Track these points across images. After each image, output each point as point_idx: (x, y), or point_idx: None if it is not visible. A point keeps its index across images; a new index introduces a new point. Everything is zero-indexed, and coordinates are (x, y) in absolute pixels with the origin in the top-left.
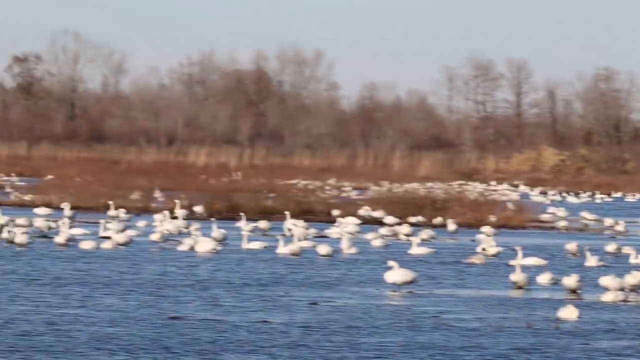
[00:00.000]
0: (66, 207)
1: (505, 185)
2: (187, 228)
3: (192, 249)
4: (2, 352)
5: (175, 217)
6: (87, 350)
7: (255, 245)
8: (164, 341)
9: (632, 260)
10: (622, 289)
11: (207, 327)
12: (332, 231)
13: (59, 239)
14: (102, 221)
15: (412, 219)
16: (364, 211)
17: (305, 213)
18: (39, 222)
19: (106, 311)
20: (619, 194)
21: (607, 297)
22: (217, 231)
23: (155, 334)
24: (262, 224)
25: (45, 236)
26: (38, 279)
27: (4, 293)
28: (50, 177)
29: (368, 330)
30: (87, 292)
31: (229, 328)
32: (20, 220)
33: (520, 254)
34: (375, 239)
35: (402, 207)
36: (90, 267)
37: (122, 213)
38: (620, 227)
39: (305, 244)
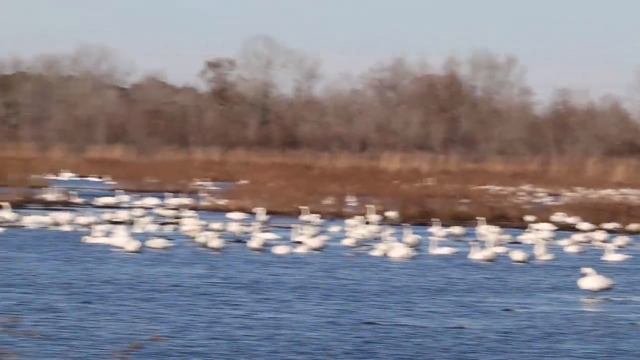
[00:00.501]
0: (260, 212)
1: None
2: (380, 233)
3: (385, 254)
4: (204, 355)
5: (368, 223)
6: (287, 354)
7: (445, 250)
8: (362, 346)
9: None
10: None
11: (404, 333)
12: (526, 237)
13: (253, 243)
14: (295, 226)
15: (607, 226)
16: (558, 217)
17: (499, 219)
18: (233, 227)
19: (304, 315)
20: None
21: None
22: (410, 236)
23: (353, 339)
24: (456, 229)
25: (239, 241)
26: (235, 283)
27: (203, 297)
28: (243, 182)
29: (569, 337)
30: (284, 297)
31: (425, 334)
32: (215, 225)
33: None
34: (569, 245)
35: (597, 214)
36: (285, 272)
37: (315, 218)
38: None
39: (499, 249)
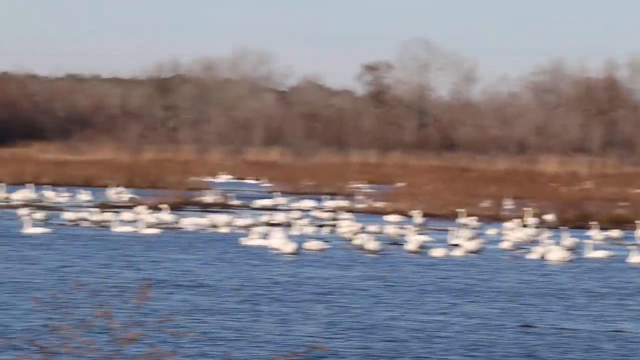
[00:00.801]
0: (416, 214)
1: None
2: (537, 236)
3: (543, 257)
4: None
5: (525, 226)
6: (451, 355)
7: (602, 254)
8: (524, 349)
9: None
10: None
11: (564, 337)
12: None
13: (410, 246)
14: (452, 229)
15: None
16: None
17: None
18: (390, 229)
19: (466, 318)
20: None
21: None
22: (567, 240)
23: (515, 342)
24: (614, 232)
25: (395, 243)
26: (395, 285)
27: (366, 299)
28: (400, 184)
29: None
30: (445, 299)
31: (586, 337)
32: (371, 227)
33: None
34: None
35: None
36: (444, 274)
37: (472, 221)
38: None
39: None
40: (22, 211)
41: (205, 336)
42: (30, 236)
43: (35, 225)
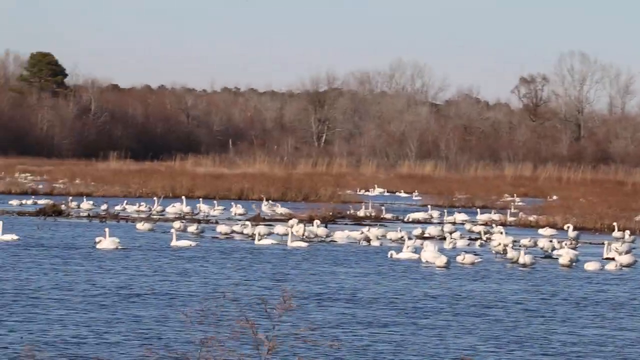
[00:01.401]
0: (569, 228)
1: None
2: None
3: None
4: None
5: None
6: None
7: None
8: None
9: None
10: None
11: None
12: None
13: (563, 259)
14: (606, 242)
15: None
16: None
17: None
18: (543, 243)
19: (624, 332)
20: None
21: None
22: None
23: None
24: None
25: (548, 257)
26: (549, 299)
27: (521, 312)
28: (554, 198)
29: None
30: (601, 313)
31: None
32: (524, 241)
33: None
34: None
35: None
36: (598, 288)
37: (626, 234)
38: None
39: None
40: (176, 224)
41: (363, 349)
42: (179, 249)
43: (183, 239)
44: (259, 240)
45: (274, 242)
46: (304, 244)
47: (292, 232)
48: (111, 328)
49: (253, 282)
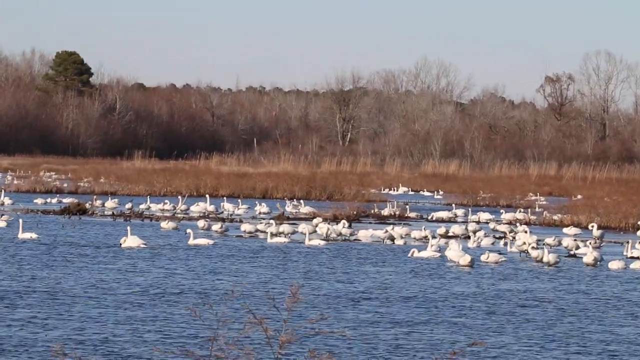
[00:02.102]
0: (594, 227)
1: None
2: None
3: None
4: None
5: None
6: None
7: None
8: None
9: None
10: None
11: None
12: None
13: (588, 258)
14: (629, 241)
15: None
16: None
17: None
18: (567, 242)
19: None
20: None
21: None
22: None
23: None
24: None
25: (573, 255)
26: (578, 298)
27: (552, 311)
28: (579, 197)
29: None
30: (632, 311)
31: None
32: (549, 240)
33: None
34: None
35: None
36: (624, 287)
37: None
38: None
39: None
40: (200, 223)
41: (396, 347)
42: (197, 247)
43: (201, 237)
44: (271, 238)
45: (304, 240)
46: (322, 242)
47: (309, 231)
48: (142, 326)
49: (276, 281)
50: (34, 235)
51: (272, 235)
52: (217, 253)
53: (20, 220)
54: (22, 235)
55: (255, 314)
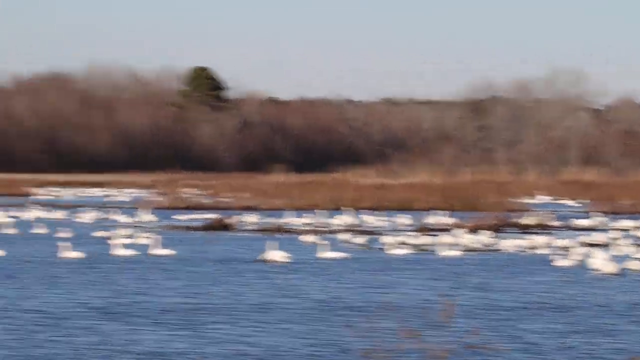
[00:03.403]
0: None
1: None
2: None
3: None
4: None
5: None
6: None
7: None
8: None
9: None
10: None
11: None
12: None
13: None
14: None
15: None
16: None
17: None
18: None
19: None
20: None
21: None
22: None
23: None
24: None
25: None
26: None
27: None
28: None
29: None
30: None
31: None
32: None
33: None
34: None
35: None
36: None
37: None
38: None
39: None
40: (342, 236)
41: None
42: (326, 260)
43: (327, 250)
44: (438, 251)
45: (446, 252)
46: (475, 254)
47: (450, 242)
48: (305, 339)
49: (424, 293)
50: (171, 252)
51: (413, 246)
52: (359, 266)
53: (158, 237)
54: (159, 252)
55: (410, 327)
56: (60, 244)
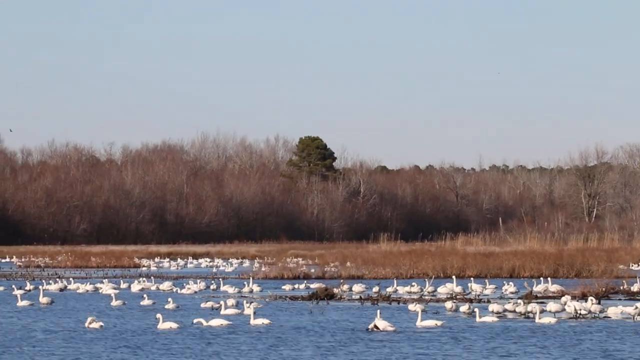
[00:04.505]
0: None
1: None
2: None
3: None
4: None
5: None
6: None
7: None
8: None
9: None
10: None
11: None
12: None
13: None
14: None
15: None
16: None
17: None
18: None
19: None
20: None
21: None
22: None
23: None
24: None
25: None
26: None
27: None
28: None
29: None
30: None
31: None
32: None
33: None
34: None
35: None
36: None
37: None
38: None
39: None
40: (447, 304)
41: None
42: (425, 329)
43: (431, 318)
44: (540, 319)
45: (552, 320)
46: (581, 321)
47: (556, 309)
48: None
49: None
50: (265, 321)
51: (520, 314)
52: (466, 335)
53: (252, 306)
54: (261, 321)
55: None
56: (158, 315)
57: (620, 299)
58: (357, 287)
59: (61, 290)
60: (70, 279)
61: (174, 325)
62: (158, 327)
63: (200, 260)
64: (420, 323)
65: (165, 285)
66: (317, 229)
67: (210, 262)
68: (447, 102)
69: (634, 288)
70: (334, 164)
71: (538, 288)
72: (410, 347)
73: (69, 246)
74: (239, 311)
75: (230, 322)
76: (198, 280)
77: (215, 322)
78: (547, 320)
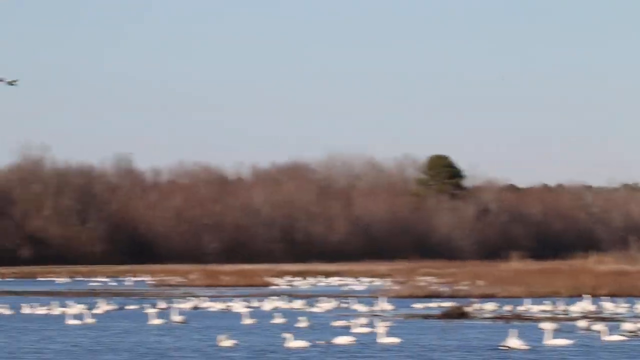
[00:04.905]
0: None
1: None
2: None
3: None
4: None
5: None
6: None
7: None
8: None
9: None
10: None
11: None
12: None
13: None
14: None
15: None
16: None
17: None
18: None
19: None
20: None
21: None
22: None
23: None
24: None
25: None
26: None
27: None
28: None
29: None
30: None
31: None
32: None
33: None
34: None
35: None
36: None
37: None
38: None
39: None
40: (580, 323)
41: None
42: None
43: (562, 337)
44: None
45: None
46: None
47: None
48: None
49: None
50: (396, 340)
51: None
52: (604, 355)
53: (383, 325)
54: (390, 340)
55: None
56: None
57: None
58: (489, 306)
59: (194, 308)
60: (203, 297)
61: (304, 343)
62: (287, 344)
63: (330, 279)
64: (551, 341)
65: (298, 304)
66: (447, 248)
67: (341, 280)
68: (576, 123)
69: None
70: (463, 182)
71: None
72: None
73: (199, 265)
74: (370, 330)
75: (358, 340)
76: (330, 299)
77: (344, 340)
78: None
